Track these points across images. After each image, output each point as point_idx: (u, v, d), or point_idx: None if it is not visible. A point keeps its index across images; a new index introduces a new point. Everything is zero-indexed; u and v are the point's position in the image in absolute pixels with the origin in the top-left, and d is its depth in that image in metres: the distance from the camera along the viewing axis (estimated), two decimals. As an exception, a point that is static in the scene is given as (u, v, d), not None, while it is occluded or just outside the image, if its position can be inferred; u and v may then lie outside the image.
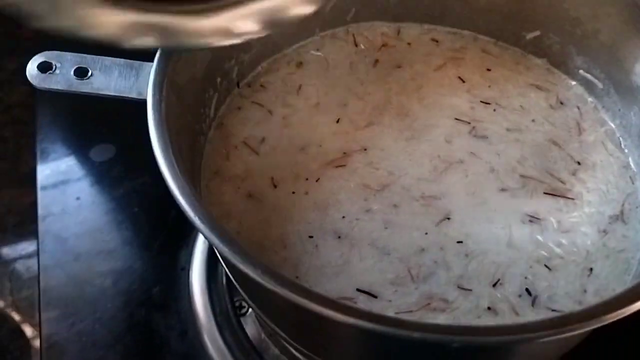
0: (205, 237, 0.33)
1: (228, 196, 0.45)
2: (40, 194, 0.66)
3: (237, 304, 0.59)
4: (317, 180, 0.46)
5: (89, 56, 0.41)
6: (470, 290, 0.40)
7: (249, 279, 0.31)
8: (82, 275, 0.61)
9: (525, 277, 0.41)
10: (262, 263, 0.32)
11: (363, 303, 0.39)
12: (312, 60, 0.54)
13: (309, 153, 0.47)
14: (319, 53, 0.54)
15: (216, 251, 0.37)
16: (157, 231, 0.64)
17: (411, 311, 0.39)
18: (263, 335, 0.57)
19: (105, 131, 0.70)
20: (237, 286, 0.45)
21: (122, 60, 0.41)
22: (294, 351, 0.53)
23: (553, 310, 0.40)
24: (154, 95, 0.37)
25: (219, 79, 0.48)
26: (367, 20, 0.56)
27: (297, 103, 0.51)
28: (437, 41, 0.55)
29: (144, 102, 0.37)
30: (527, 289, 0.40)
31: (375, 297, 0.40)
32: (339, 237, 0.43)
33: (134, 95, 0.39)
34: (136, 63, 0.41)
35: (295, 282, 0.32)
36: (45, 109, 0.72)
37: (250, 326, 0.58)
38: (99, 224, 0.64)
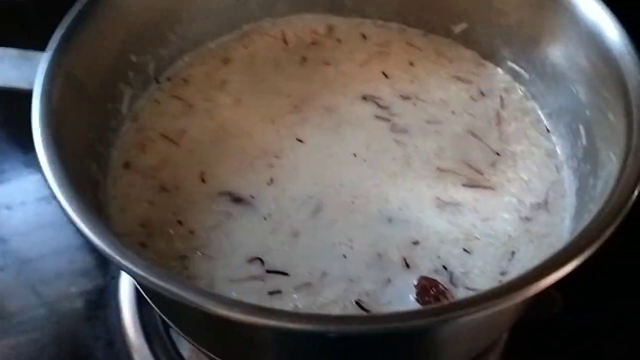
0: (78, 230, 0.34)
1: (137, 189, 0.46)
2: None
3: (164, 314, 0.60)
4: (236, 175, 0.47)
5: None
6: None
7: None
8: (6, 286, 0.62)
9: (438, 257, 0.43)
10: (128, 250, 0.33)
11: (273, 281, 0.42)
12: (238, 57, 0.56)
13: (229, 147, 0.49)
14: (246, 50, 0.56)
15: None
16: (89, 239, 0.65)
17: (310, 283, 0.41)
18: (193, 347, 0.57)
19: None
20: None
21: (16, 50, 0.42)
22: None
23: (469, 289, 0.41)
24: (42, 85, 0.38)
25: (131, 74, 0.50)
26: (294, 13, 0.58)
27: (219, 98, 0.52)
28: (365, 37, 0.56)
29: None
30: (443, 266, 0.42)
31: (287, 274, 0.42)
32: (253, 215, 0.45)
33: (24, 85, 0.40)
34: (30, 53, 0.42)
35: (164, 271, 0.32)
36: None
37: (181, 338, 0.58)
38: (27, 233, 0.65)
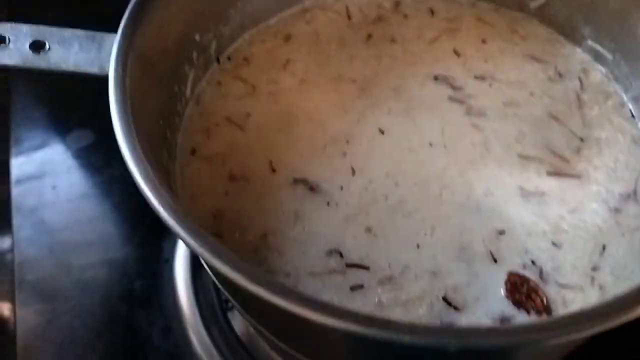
0: (170, 228, 0.32)
1: (207, 177, 0.45)
2: (14, 185, 0.66)
3: (224, 297, 0.59)
4: (307, 163, 0.45)
5: (46, 28, 0.40)
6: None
7: (221, 275, 0.31)
8: (59, 270, 0.61)
9: (526, 251, 0.41)
10: (231, 255, 0.31)
11: (353, 275, 0.40)
12: (300, 34, 0.53)
13: (297, 133, 0.47)
14: (308, 26, 0.54)
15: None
16: (139, 222, 0.64)
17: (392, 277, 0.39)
18: (252, 331, 0.57)
19: (83, 115, 0.70)
20: (217, 283, 0.45)
21: (83, 31, 0.40)
22: (284, 346, 0.53)
23: (561, 285, 0.40)
24: (116, 70, 0.37)
25: (195, 54, 0.48)
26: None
27: (283, 79, 0.50)
28: (433, 11, 0.54)
29: (106, 78, 0.37)
30: (532, 261, 0.41)
31: (367, 268, 0.40)
32: (328, 204, 0.43)
33: (95, 70, 0.39)
34: (98, 35, 0.40)
35: (272, 279, 0.31)
36: (21, 93, 0.72)
37: (238, 321, 0.57)
38: (77, 215, 0.64)
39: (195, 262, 0.60)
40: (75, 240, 0.63)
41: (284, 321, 0.37)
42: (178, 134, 0.46)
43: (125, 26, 0.39)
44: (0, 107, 0.78)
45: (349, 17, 0.54)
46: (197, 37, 0.47)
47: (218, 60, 0.50)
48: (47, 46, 0.39)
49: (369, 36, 0.53)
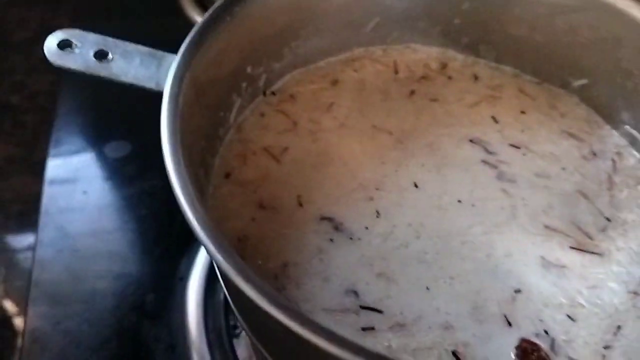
0: (201, 243, 0.34)
1: (237, 202, 0.46)
2: (47, 185, 0.68)
3: (232, 323, 0.60)
4: (334, 203, 0.47)
5: (111, 39, 0.43)
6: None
7: (242, 294, 0.32)
8: (77, 273, 0.62)
9: (540, 320, 0.41)
10: (258, 279, 0.32)
11: (366, 317, 0.41)
12: (348, 80, 0.55)
13: (329, 173, 0.49)
14: (356, 74, 0.56)
15: (214, 262, 0.38)
16: (161, 237, 0.65)
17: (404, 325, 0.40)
18: (254, 360, 0.57)
19: (123, 127, 0.73)
20: (231, 302, 0.46)
21: (145, 48, 0.43)
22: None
23: (571, 359, 0.40)
24: (172, 88, 0.39)
25: (244, 84, 0.50)
26: (407, 42, 0.57)
27: (324, 121, 0.52)
28: (477, 77, 0.56)
29: (161, 94, 0.39)
30: (545, 331, 0.41)
31: (381, 312, 0.41)
32: (351, 239, 0.44)
33: (152, 85, 0.41)
34: (159, 53, 0.43)
35: (293, 307, 0.32)
36: (68, 98, 0.75)
37: (243, 349, 0.58)
38: (102, 222, 0.66)
39: (208, 285, 0.62)
40: (96, 248, 0.64)
41: (295, 349, 0.38)
42: (216, 158, 0.48)
43: (186, 49, 0.41)
44: (46, 108, 0.81)
45: (396, 72, 0.56)
46: (249, 69, 0.50)
47: (264, 93, 0.53)
48: (110, 56, 0.42)
49: (412, 92, 0.55)
